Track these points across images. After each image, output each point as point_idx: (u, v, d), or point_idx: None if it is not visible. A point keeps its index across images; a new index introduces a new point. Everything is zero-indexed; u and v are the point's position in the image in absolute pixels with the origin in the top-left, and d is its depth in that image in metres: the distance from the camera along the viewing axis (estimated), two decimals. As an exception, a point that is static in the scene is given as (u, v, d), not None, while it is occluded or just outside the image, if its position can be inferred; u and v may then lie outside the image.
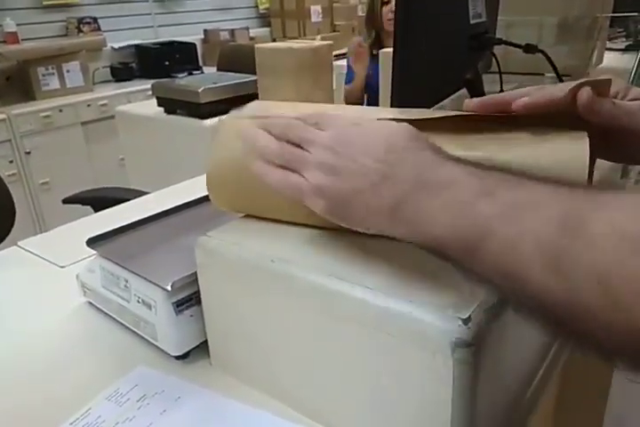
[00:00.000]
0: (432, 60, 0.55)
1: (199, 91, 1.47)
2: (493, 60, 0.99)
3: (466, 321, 0.34)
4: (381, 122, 0.39)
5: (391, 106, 0.63)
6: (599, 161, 0.43)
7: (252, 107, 0.50)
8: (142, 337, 0.56)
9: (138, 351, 0.56)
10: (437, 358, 0.35)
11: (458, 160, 0.34)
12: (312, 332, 0.42)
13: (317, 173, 0.37)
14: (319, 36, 3.16)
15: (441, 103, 0.79)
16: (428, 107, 0.67)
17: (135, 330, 0.57)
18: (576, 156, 0.37)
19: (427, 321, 0.35)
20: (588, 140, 0.38)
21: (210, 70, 2.50)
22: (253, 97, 1.59)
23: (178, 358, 0.53)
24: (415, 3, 0.60)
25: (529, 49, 0.92)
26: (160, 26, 3.15)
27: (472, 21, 0.71)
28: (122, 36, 2.93)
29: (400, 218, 0.34)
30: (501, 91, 1.00)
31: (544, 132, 0.39)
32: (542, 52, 0.91)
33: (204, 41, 3.32)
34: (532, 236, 0.27)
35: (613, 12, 1.30)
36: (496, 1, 0.88)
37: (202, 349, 0.53)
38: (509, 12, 1.09)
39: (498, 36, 0.96)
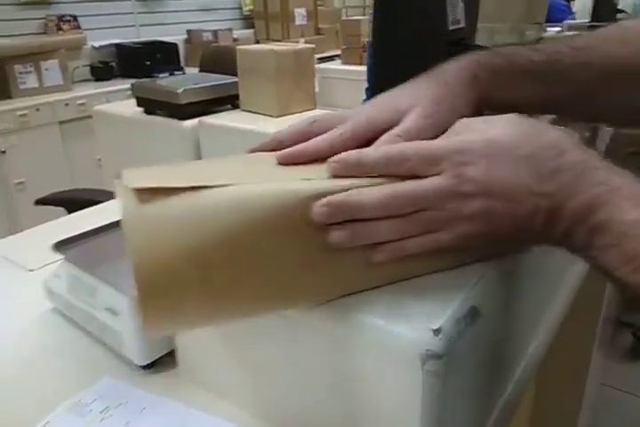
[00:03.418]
0: (409, 67, 0.54)
1: (179, 91, 1.44)
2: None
3: (437, 332, 0.33)
4: (501, 132, 0.33)
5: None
6: None
7: (133, 175, 0.34)
8: (109, 346, 0.54)
9: (104, 361, 0.54)
10: (407, 369, 0.34)
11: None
12: (278, 340, 0.41)
13: (461, 226, 0.33)
14: (303, 39, 3.16)
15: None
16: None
17: (101, 338, 0.55)
18: None
19: (396, 332, 0.34)
20: None
21: (192, 71, 2.47)
22: (234, 98, 1.57)
23: (144, 367, 0.51)
24: (392, 8, 0.59)
25: (508, 56, 0.92)
26: (142, 25, 3.12)
27: (451, 27, 0.70)
28: (102, 34, 2.89)
29: (574, 247, 0.32)
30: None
31: None
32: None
33: (187, 41, 3.30)
34: None
35: (591, 21, 1.32)
36: (476, 7, 0.88)
37: (170, 358, 0.52)
38: (491, 19, 1.10)
39: (480, 42, 0.96)
